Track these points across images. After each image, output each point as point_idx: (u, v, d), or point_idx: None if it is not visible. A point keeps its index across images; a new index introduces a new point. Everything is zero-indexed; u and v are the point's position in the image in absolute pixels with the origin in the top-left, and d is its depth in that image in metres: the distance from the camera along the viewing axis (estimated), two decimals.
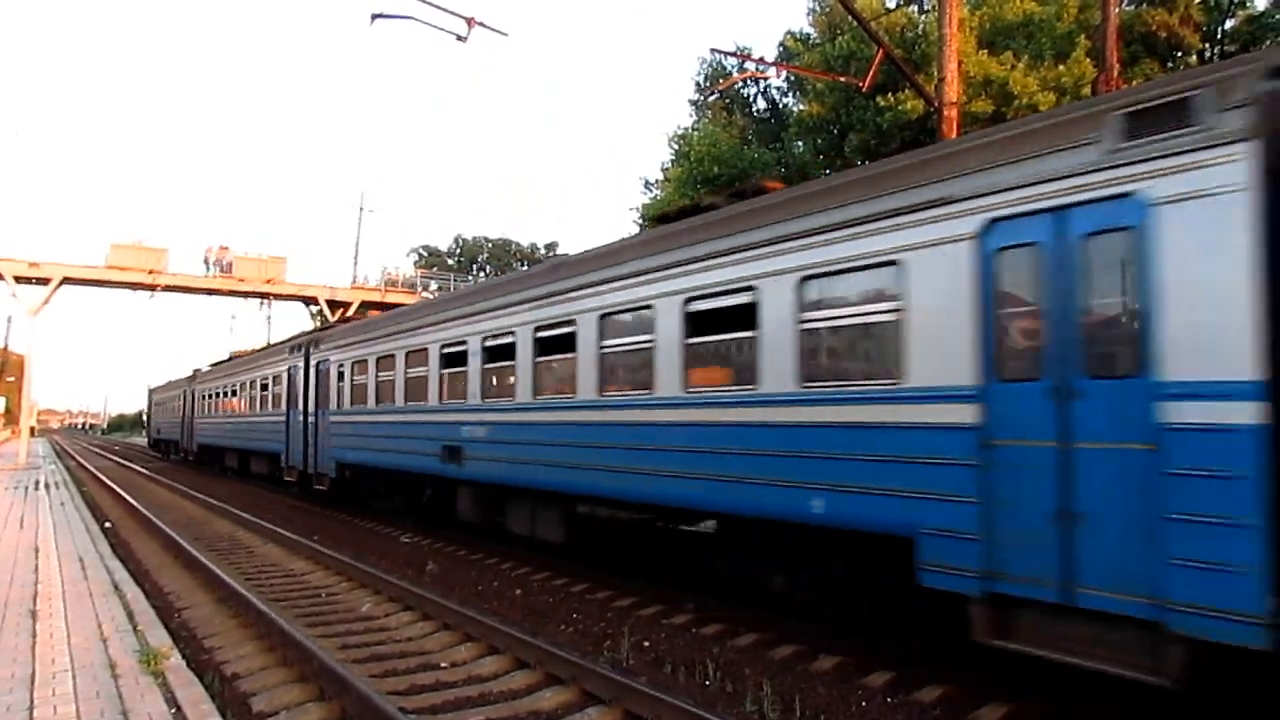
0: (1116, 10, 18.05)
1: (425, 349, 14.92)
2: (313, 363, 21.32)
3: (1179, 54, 30.64)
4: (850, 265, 7.35)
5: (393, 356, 16.37)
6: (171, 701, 5.95)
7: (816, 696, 6.88)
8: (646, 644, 8.42)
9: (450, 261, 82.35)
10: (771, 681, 7.05)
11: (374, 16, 12.96)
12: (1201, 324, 5.27)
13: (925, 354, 6.71)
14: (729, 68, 36.72)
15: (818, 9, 35.68)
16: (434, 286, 57.58)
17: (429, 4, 12.63)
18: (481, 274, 79.63)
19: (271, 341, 36.82)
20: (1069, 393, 5.86)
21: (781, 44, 35.97)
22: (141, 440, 78.11)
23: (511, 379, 12.31)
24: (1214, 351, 5.22)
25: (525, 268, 68.16)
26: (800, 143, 34.10)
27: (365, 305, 51.02)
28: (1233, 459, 5.10)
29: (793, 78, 35.55)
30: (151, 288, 48.22)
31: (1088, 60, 25.73)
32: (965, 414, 6.41)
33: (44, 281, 44.25)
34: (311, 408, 21.09)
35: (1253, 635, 4.94)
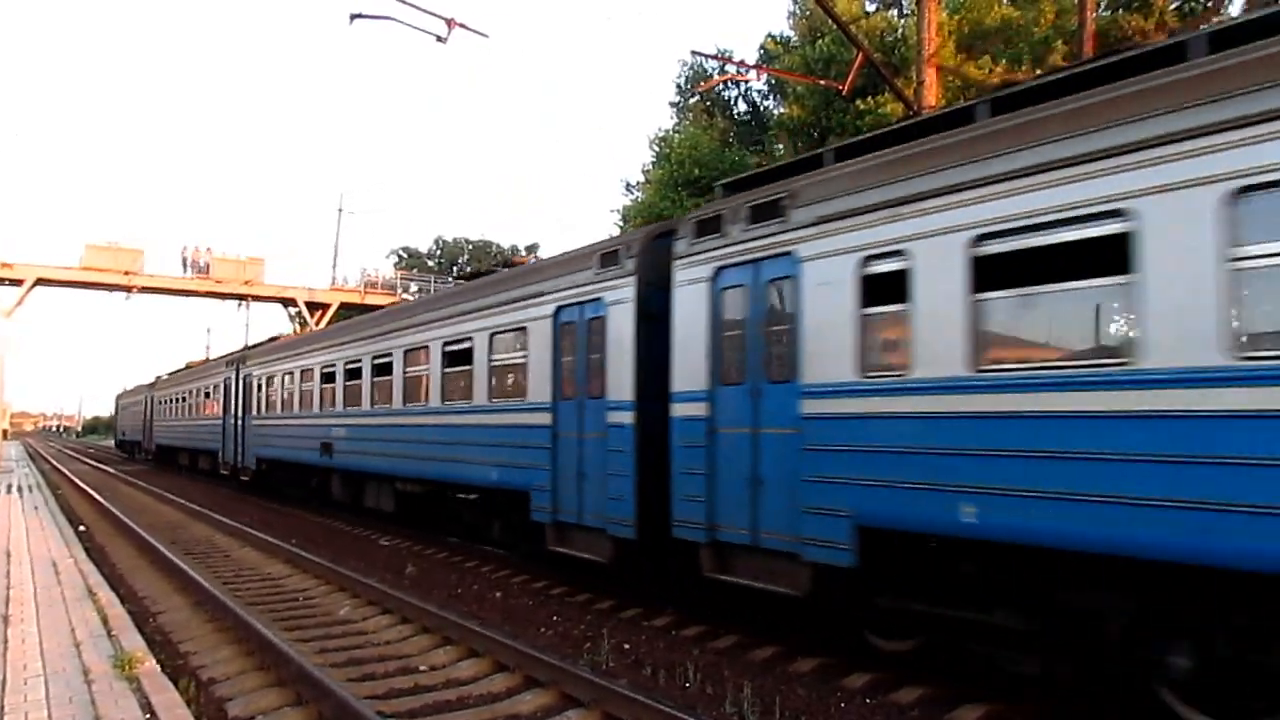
0: (1092, 16, 18.28)
1: (312, 368, 19.94)
2: (241, 375, 25.59)
3: None
4: (508, 328, 11.92)
5: (292, 373, 21.31)
6: (146, 707, 5.87)
7: (796, 698, 6.91)
8: (626, 646, 8.43)
9: (430, 263, 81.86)
10: (751, 683, 7.06)
11: (353, 16, 12.86)
12: (617, 370, 9.68)
13: (535, 382, 11.16)
14: (710, 70, 36.82)
15: (798, 12, 35.81)
16: (414, 288, 57.14)
17: (409, 4, 12.55)
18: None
19: (249, 343, 37.02)
20: (582, 407, 10.32)
21: (762, 47, 36.09)
22: None
23: (360, 393, 17.14)
24: (620, 384, 9.64)
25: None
26: (781, 145, 34.20)
27: (344, 307, 50.59)
28: (624, 441, 9.50)
29: (773, 80, 35.70)
30: (128, 289, 47.65)
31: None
32: (546, 418, 10.85)
33: (17, 282, 43.63)
34: (240, 413, 25.43)
35: (630, 532, 9.33)
